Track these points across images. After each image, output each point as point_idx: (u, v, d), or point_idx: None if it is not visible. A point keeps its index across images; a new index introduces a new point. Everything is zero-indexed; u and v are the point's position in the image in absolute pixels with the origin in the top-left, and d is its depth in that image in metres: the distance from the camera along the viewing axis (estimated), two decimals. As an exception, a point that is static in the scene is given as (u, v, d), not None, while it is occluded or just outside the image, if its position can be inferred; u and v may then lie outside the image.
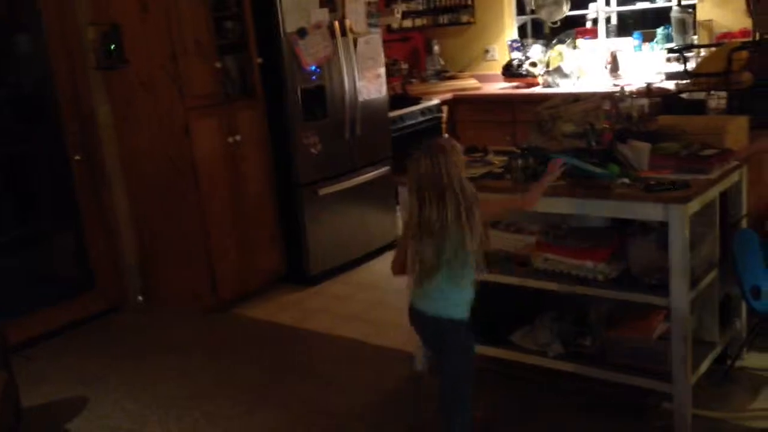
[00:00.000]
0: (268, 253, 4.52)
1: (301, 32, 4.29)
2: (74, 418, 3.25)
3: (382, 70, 4.86)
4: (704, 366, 2.89)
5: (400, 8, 5.66)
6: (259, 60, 4.30)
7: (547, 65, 5.43)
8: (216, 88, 4.17)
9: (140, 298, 4.51)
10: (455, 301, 2.54)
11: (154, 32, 4.02)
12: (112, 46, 4.13)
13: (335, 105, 4.55)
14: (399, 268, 2.66)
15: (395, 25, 5.70)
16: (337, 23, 4.45)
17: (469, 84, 5.75)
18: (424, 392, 3.20)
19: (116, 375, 3.62)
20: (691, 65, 3.72)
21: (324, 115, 4.51)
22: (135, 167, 4.38)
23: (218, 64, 4.16)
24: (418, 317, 2.59)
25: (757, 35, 3.31)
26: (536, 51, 5.59)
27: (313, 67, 4.40)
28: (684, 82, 3.45)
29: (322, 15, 4.39)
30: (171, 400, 3.36)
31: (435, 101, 5.46)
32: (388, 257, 4.79)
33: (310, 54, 4.36)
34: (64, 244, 4.41)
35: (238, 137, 4.27)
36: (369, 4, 4.68)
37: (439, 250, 2.43)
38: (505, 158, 3.23)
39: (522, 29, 6.03)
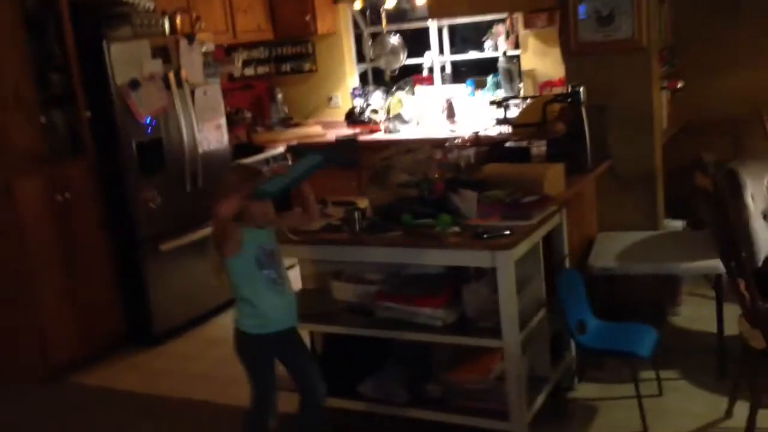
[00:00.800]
0: (107, 313, 4.29)
1: (134, 84, 4.16)
2: None
3: (223, 121, 4.80)
4: (539, 400, 3.03)
5: (240, 57, 5.63)
6: (88, 114, 4.12)
7: (388, 112, 5.60)
8: (40, 145, 3.95)
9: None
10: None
11: (-32, 85, 3.76)
12: None
13: (174, 157, 4.43)
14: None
15: (237, 74, 5.67)
16: (172, 74, 4.35)
17: (313, 131, 5.80)
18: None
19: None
20: (515, 113, 3.96)
21: (162, 168, 4.37)
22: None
23: (42, 119, 3.94)
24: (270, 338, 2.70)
25: (569, 87, 3.58)
26: (377, 98, 5.75)
27: (149, 120, 4.27)
28: (507, 131, 3.66)
29: (156, 66, 4.28)
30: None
31: (280, 149, 5.45)
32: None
33: (145, 106, 4.23)
34: None
35: (67, 195, 4.05)
36: (206, 54, 4.63)
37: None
38: (343, 209, 3.27)
39: (363, 76, 6.19)
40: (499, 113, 4.48)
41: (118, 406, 3.72)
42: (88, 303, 4.18)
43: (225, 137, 4.82)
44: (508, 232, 2.79)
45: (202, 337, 4.47)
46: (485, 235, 2.78)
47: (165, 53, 4.35)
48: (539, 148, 3.47)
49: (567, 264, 3.31)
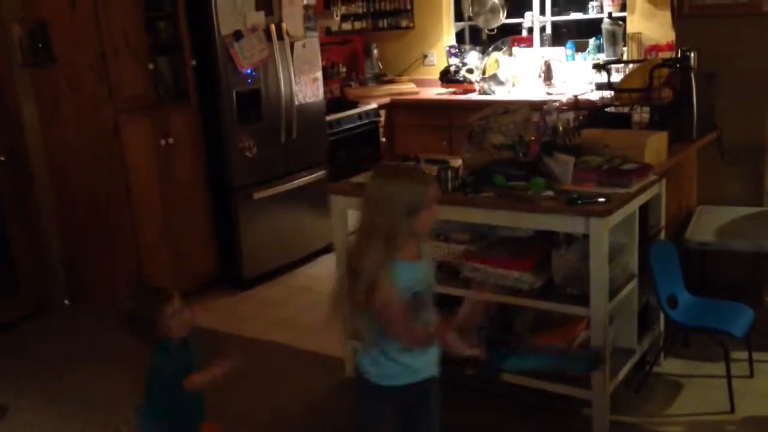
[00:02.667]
0: (201, 256, 4.47)
1: (237, 35, 4.25)
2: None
3: (319, 74, 4.85)
4: (623, 373, 2.99)
5: (339, 11, 5.65)
6: (193, 62, 4.24)
7: (484, 72, 5.51)
8: (148, 90, 4.10)
9: (67, 301, 4.41)
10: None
11: (83, 30, 3.92)
12: (39, 45, 4.02)
13: (271, 108, 4.52)
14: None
15: (334, 28, 5.70)
16: (273, 26, 4.42)
17: (407, 88, 5.79)
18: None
19: (39, 381, 3.53)
20: (616, 78, 3.83)
21: (259, 118, 4.48)
22: (62, 168, 4.27)
23: (150, 65, 4.09)
24: (403, 390, 2.13)
25: (679, 51, 3.43)
26: (473, 57, 5.67)
27: (249, 71, 4.37)
28: (609, 95, 3.54)
29: (258, 18, 4.36)
30: (93, 405, 3.29)
31: (373, 105, 5.48)
32: (323, 261, 4.84)
33: (246, 57, 4.32)
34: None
35: (170, 140, 4.21)
36: (306, 7, 4.67)
37: None
38: (436, 167, 3.26)
39: (460, 35, 6.10)
40: (600, 77, 4.34)
41: (205, 343, 3.88)
42: (184, 244, 4.36)
43: (321, 91, 4.88)
44: (603, 199, 2.73)
45: (289, 284, 4.61)
46: (579, 201, 2.74)
47: (268, 5, 4.41)
48: (642, 114, 3.36)
49: (662, 236, 3.21)
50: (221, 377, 2.31)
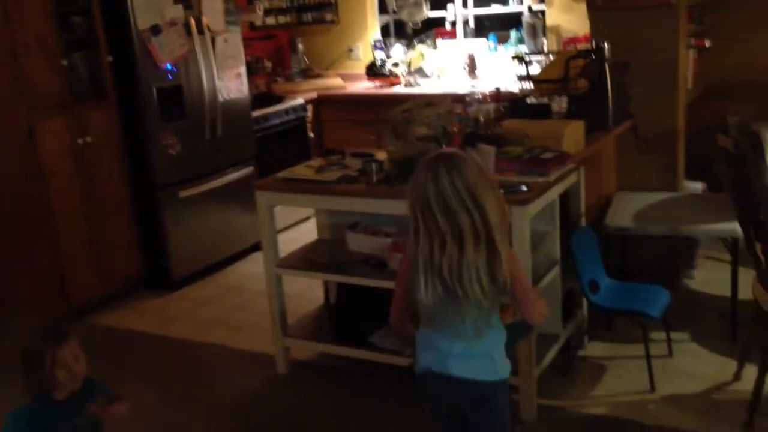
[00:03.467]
0: (127, 257, 4.36)
1: (155, 29, 4.15)
2: None
3: (243, 69, 4.78)
4: (548, 358, 3.06)
5: (262, 5, 5.58)
6: (110, 58, 4.12)
7: (409, 65, 5.54)
8: (63, 88, 3.96)
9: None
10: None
11: (-9, 28, 3.76)
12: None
13: (194, 105, 4.44)
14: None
15: (258, 23, 5.63)
16: (193, 20, 4.33)
17: (334, 83, 5.77)
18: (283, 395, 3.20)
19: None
20: (536, 70, 3.90)
21: (182, 115, 4.39)
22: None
23: (64, 62, 3.95)
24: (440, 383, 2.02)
25: (593, 43, 3.52)
26: (398, 51, 5.69)
27: (169, 66, 4.27)
28: (528, 87, 3.61)
29: (177, 12, 4.26)
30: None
31: (300, 100, 5.44)
32: (253, 258, 4.79)
33: (165, 52, 4.22)
34: None
35: (88, 139, 4.08)
36: (227, 1, 4.59)
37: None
38: (361, 161, 3.27)
39: (385, 29, 6.11)
40: (521, 69, 4.41)
41: (134, 346, 3.80)
42: (108, 246, 4.24)
43: (245, 86, 4.81)
44: (524, 188, 2.78)
45: (219, 283, 4.54)
46: (501, 190, 2.77)
47: (186, -1, 4.33)
48: (560, 104, 3.44)
49: (583, 223, 3.30)
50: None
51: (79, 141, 4.04)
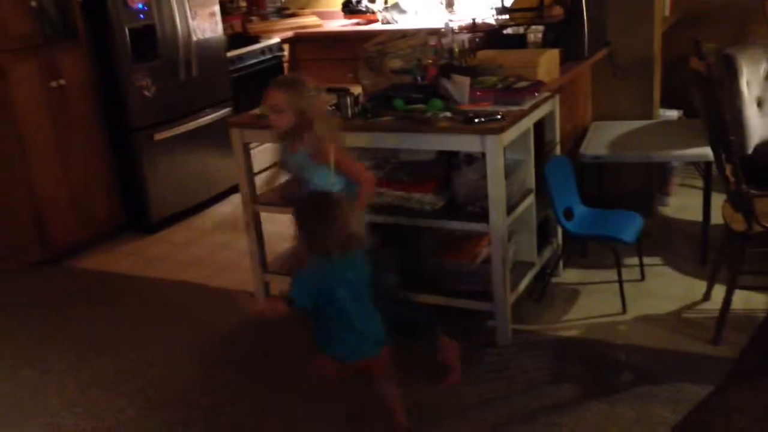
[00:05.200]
0: (105, 201, 4.34)
1: (124, -33, 4.06)
2: None
3: (217, 8, 4.70)
4: (524, 284, 3.12)
5: (234, -58, 5.45)
6: (79, -3, 4.04)
7: (386, 1, 5.46)
8: (33, 29, 3.88)
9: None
10: None
11: (-47, -34, 3.67)
12: None
13: (167, 45, 4.37)
14: None
15: (231, -40, 5.50)
16: (162, -43, 4.23)
17: (310, 21, 5.68)
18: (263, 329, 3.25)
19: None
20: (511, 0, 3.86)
21: (156, 56, 4.32)
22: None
23: (33, 3, 3.86)
24: None
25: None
26: (375, -13, 5.60)
27: (140, 5, 4.19)
28: (504, 17, 3.58)
29: (146, -52, 4.16)
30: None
31: (276, 40, 5.36)
32: (231, 200, 4.79)
33: (135, -9, 4.14)
34: None
35: (62, 81, 4.02)
36: (198, -63, 4.48)
37: None
38: (336, 95, 3.25)
39: (361, -35, 5.99)
40: (498, 1, 4.37)
41: (114, 288, 3.82)
42: (86, 191, 4.22)
43: (219, 26, 4.73)
44: (499, 117, 2.79)
45: (197, 225, 4.55)
46: (476, 120, 2.79)
47: (155, -65, 4.22)
48: (536, 34, 3.41)
49: (558, 151, 3.31)
50: None
51: (52, 84, 3.98)
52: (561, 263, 3.41)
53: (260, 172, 4.16)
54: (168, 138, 4.42)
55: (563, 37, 3.39)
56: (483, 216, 2.86)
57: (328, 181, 2.58)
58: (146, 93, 4.29)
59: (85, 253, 4.21)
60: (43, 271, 4.03)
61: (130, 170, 4.37)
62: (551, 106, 3.20)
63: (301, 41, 5.51)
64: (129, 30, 4.15)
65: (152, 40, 4.28)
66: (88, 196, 4.24)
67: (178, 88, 4.47)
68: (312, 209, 2.29)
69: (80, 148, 4.18)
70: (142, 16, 4.21)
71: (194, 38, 4.49)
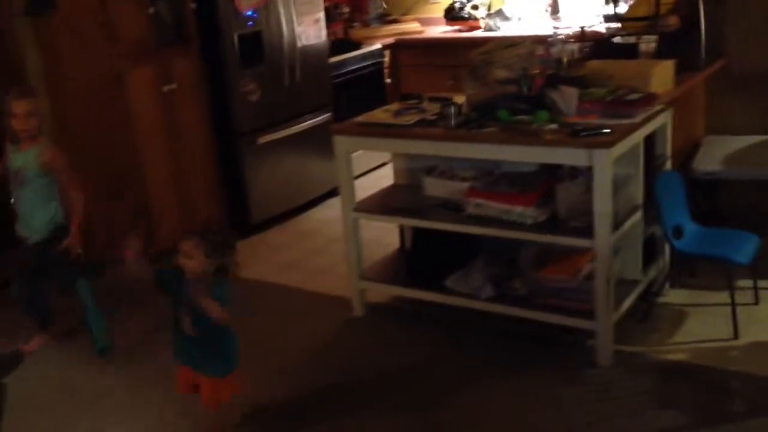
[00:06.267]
0: (208, 202, 4.48)
1: (235, -24, 4.18)
2: (11, 372, 3.22)
3: (322, 15, 4.78)
4: (627, 303, 3.01)
5: (340, -50, 5.53)
6: (193, 4, 4.18)
7: (489, 8, 5.41)
8: (148, 35, 4.06)
9: (79, 250, 4.45)
10: None
11: (80, -24, 3.88)
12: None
13: (273, 51, 4.48)
14: None
15: (336, -32, 5.58)
16: (272, -34, 4.35)
17: (411, 28, 5.70)
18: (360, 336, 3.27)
19: (57, 324, 3.58)
20: (623, 8, 3.74)
21: (262, 61, 4.44)
22: (67, 116, 4.26)
23: (150, 10, 4.04)
24: None
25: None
26: (478, -7, 5.55)
27: (250, 12, 4.31)
28: (615, 26, 3.47)
29: (257, -42, 4.28)
30: (90, 349, 3.36)
31: (377, 46, 5.41)
32: (330, 204, 4.86)
33: (246, -1, 4.26)
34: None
35: (173, 85, 4.18)
36: (306, -55, 4.57)
37: None
38: (439, 104, 3.24)
39: (464, -29, 5.95)
40: (608, 10, 4.24)
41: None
42: (191, 190, 4.37)
43: (323, 32, 4.82)
44: (607, 131, 2.70)
45: (296, 228, 4.63)
46: (583, 133, 2.71)
47: (266, -56, 4.33)
48: (648, 44, 3.29)
49: (668, 166, 3.18)
50: None
51: (165, 88, 4.15)
52: (667, 283, 3.27)
53: (359, 176, 4.21)
54: (270, 142, 4.53)
55: (678, 47, 3.26)
56: (587, 231, 2.78)
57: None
58: (251, 98, 4.41)
59: (189, 252, 4.35)
60: (151, 269, 4.17)
61: (233, 173, 4.50)
62: (663, 120, 3.07)
63: (402, 47, 5.53)
64: (238, 36, 4.28)
65: (259, 46, 4.40)
66: (193, 197, 4.39)
67: (281, 93, 4.57)
68: None
69: (187, 151, 4.33)
70: (250, 23, 4.33)
71: (299, 44, 4.59)
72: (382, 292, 3.53)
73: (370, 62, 5.32)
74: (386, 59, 5.45)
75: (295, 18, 4.52)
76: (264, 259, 4.22)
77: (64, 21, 4.03)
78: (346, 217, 3.36)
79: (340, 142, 3.27)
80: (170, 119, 4.21)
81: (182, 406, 2.86)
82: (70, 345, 3.44)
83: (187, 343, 2.53)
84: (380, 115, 3.30)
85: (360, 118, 3.31)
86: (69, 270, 3.29)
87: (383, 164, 5.26)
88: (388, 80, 5.48)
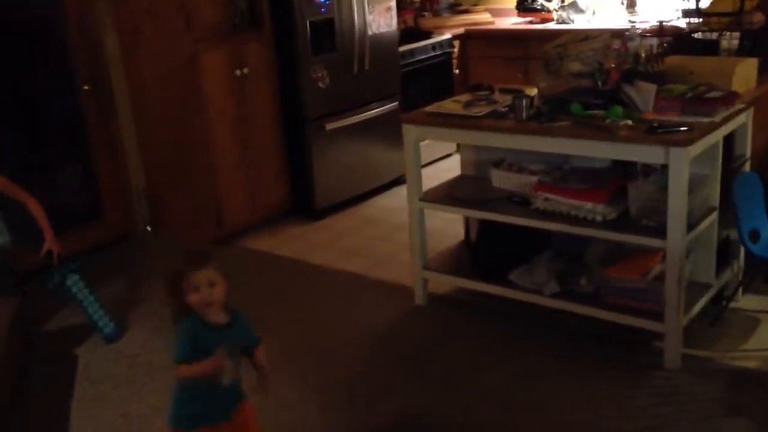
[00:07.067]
0: (275, 186, 4.55)
1: (310, -37, 4.21)
2: (83, 344, 3.36)
3: (393, 3, 4.78)
4: (698, 307, 2.93)
5: (412, -61, 5.51)
6: (267, -10, 4.24)
7: (562, 0, 5.31)
8: (224, 19, 4.14)
9: (148, 228, 4.59)
10: None
11: (160, -40, 3.97)
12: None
13: (344, 38, 4.50)
14: None
15: (408, -43, 5.57)
16: (346, -46, 4.36)
17: (482, 18, 5.65)
18: (422, 326, 3.28)
19: (124, 302, 3.71)
20: (704, 3, 3.63)
21: (333, 48, 4.46)
22: (143, 98, 4.39)
23: (226, -6, 4.12)
24: None
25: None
26: (551, -15, 5.45)
27: (323, 0, 4.34)
28: (696, 21, 3.36)
29: (332, -55, 4.30)
30: (158, 323, 3.45)
31: (447, 36, 5.37)
32: (394, 193, 4.88)
33: (320, -15, 4.29)
34: (72, 174, 4.45)
35: (245, 70, 4.25)
36: (379, -66, 4.57)
37: None
38: (510, 97, 3.20)
39: (538, -38, 5.86)
40: (687, 4, 4.12)
41: (279, 271, 4.00)
42: (259, 175, 4.45)
43: (394, 20, 4.82)
44: (685, 128, 2.63)
45: (360, 215, 4.66)
46: (660, 130, 2.65)
47: (341, -68, 4.34)
48: (731, 40, 3.19)
49: (747, 168, 3.08)
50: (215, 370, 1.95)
51: (237, 72, 4.22)
52: (741, 288, 3.17)
53: (423, 166, 4.21)
54: (338, 129, 4.56)
55: (762, 45, 3.14)
56: (659, 231, 2.72)
57: None
58: (321, 84, 4.44)
59: (255, 235, 4.43)
60: (219, 249, 4.27)
61: (300, 159, 4.55)
62: (744, 119, 2.97)
63: (472, 38, 5.48)
64: (310, 23, 4.32)
65: (331, 34, 4.43)
66: (260, 181, 4.46)
67: (350, 80, 4.59)
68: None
69: (257, 135, 4.40)
70: (323, 9, 4.36)
71: (369, 32, 4.60)
72: (444, 283, 3.52)
73: (439, 52, 5.30)
74: (455, 49, 5.42)
75: (366, 6, 4.53)
76: (328, 244, 4.26)
77: (142, 5, 4.14)
78: (412, 207, 3.36)
79: (409, 130, 3.27)
80: (241, 103, 4.28)
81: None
82: (138, 321, 3.55)
83: (226, 391, 2.05)
84: (450, 105, 3.29)
85: (429, 108, 3.30)
86: (56, 272, 3.28)
87: (448, 155, 5.24)
88: (457, 71, 5.44)
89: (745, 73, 2.93)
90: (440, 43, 5.31)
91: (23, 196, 3.25)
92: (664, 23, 3.60)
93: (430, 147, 4.91)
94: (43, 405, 2.94)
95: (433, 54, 5.26)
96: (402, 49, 5.01)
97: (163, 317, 3.48)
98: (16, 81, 4.14)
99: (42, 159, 4.29)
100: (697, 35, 3.33)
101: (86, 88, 4.28)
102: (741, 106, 2.87)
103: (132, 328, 3.47)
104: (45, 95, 4.26)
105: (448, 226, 3.98)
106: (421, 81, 5.14)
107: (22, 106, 4.20)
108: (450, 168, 4.60)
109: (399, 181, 4.89)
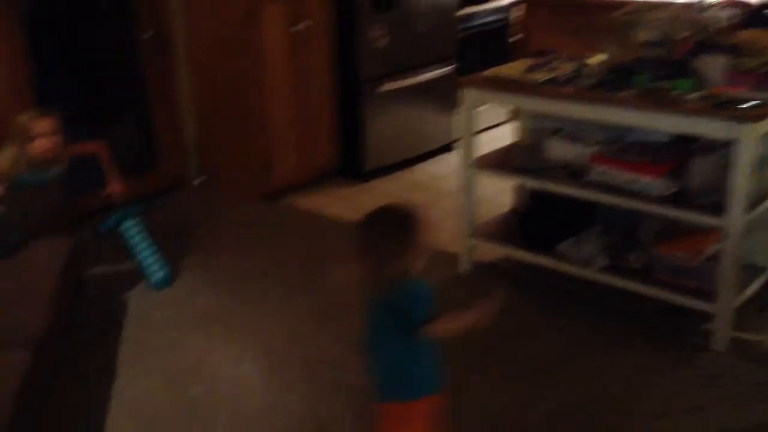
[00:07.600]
0: (325, 145, 4.55)
1: None
2: (132, 289, 3.42)
3: (456, -36, 4.70)
4: (751, 289, 2.86)
5: None
6: (329, -55, 4.20)
7: (630, -30, 5.14)
8: (284, -28, 4.11)
9: (198, 180, 4.64)
10: None
11: None
12: None
13: (404, -2, 4.44)
14: None
15: None
16: None
17: (544, -14, 5.50)
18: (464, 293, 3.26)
19: (174, 250, 3.76)
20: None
21: (392, 7, 4.41)
22: (201, 50, 4.39)
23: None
24: None
25: None
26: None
27: (384, -44, 4.28)
28: (771, -4, 3.23)
29: None
30: (225, 274, 3.51)
31: (506, 1, 5.26)
32: (443, 159, 4.83)
33: (380, -57, 4.22)
34: (129, 123, 4.50)
35: (304, 24, 4.22)
36: None
37: None
38: (573, 64, 3.13)
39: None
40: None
41: (324, 230, 4.01)
42: (310, 133, 4.44)
43: (454, -18, 4.74)
44: (756, 103, 2.53)
45: (408, 179, 4.63)
46: (729, 104, 2.56)
47: None
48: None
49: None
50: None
51: (293, 28, 4.19)
52: (800, 274, 3.08)
53: (481, 131, 4.12)
54: (392, 90, 4.52)
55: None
56: (718, 209, 2.64)
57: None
58: (378, 44, 4.40)
59: (303, 193, 4.43)
60: (267, 205, 4.31)
61: (352, 118, 4.53)
62: (820, 99, 2.85)
63: (533, 4, 5.34)
64: (370, -20, 4.27)
65: (391, -8, 4.38)
66: (311, 139, 4.46)
67: (408, 41, 4.54)
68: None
69: (310, 93, 4.38)
70: (383, -33, 4.30)
71: (428, -7, 4.53)
72: (489, 252, 3.49)
73: (497, 17, 5.20)
74: (515, 16, 5.30)
75: (426, -35, 4.46)
76: (374, 206, 4.23)
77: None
78: (464, 172, 3.32)
79: (468, 94, 3.22)
80: (297, 59, 4.26)
81: (288, 335, 2.96)
82: (185, 269, 3.60)
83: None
84: (511, 70, 3.22)
85: (489, 72, 3.25)
86: (114, 215, 3.36)
87: (497, 125, 5.16)
88: (517, 36, 5.33)
89: (822, 51, 2.81)
90: (498, 9, 5.20)
91: (87, 149, 3.31)
92: (736, -3, 3.45)
93: (481, 115, 4.84)
94: (90, 349, 3.01)
95: (491, 19, 5.17)
96: (460, 13, 4.92)
97: (210, 268, 3.54)
98: (78, 27, 4.18)
99: (101, 106, 4.33)
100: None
101: (146, 36, 4.31)
102: (816, 84, 2.75)
103: (181, 277, 3.52)
104: (106, 43, 4.30)
105: (497, 195, 3.92)
106: (477, 46, 5.05)
107: (83, 54, 4.24)
108: (499, 137, 4.52)
109: (448, 147, 4.84)
